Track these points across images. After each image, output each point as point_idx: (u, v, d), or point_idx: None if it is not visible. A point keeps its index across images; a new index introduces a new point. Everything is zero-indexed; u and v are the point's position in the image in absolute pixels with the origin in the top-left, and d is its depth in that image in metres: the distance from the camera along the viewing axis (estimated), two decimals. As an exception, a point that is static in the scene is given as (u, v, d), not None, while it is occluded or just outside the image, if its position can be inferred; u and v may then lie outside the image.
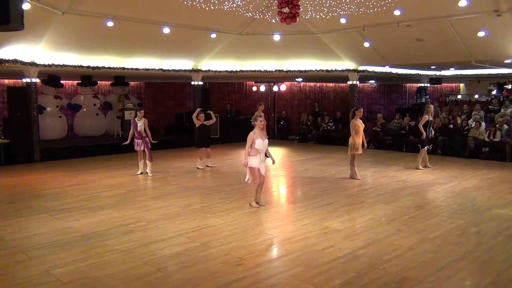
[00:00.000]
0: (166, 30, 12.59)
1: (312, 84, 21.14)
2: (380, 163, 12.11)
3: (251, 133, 7.32)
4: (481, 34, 11.45)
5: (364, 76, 17.61)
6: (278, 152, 14.81)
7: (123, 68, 14.39)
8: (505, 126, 13.15)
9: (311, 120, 18.60)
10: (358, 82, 16.93)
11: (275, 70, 16.55)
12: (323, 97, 21.43)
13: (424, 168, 11.20)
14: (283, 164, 12.72)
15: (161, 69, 15.20)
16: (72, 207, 7.68)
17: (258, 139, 7.26)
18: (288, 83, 20.13)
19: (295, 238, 5.97)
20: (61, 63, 12.97)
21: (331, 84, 21.52)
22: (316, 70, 16.43)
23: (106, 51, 13.61)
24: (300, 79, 19.66)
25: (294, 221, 6.87)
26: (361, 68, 16.38)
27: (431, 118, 11.10)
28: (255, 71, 16.53)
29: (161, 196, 8.49)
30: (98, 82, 17.16)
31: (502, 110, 15.15)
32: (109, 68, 14.06)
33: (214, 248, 5.57)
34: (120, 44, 13.40)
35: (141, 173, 10.58)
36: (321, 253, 5.38)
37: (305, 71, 16.49)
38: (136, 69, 14.63)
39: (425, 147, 11.11)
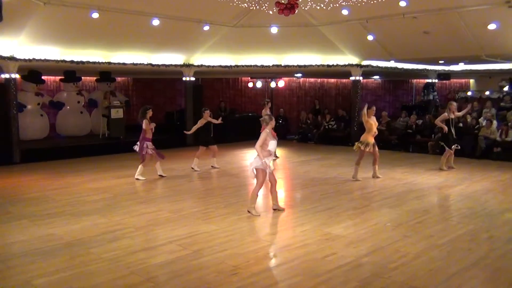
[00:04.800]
0: (156, 22, 12.56)
1: (312, 80, 21.14)
2: (385, 164, 12.11)
3: (264, 132, 7.25)
4: (492, 26, 11.48)
5: (368, 72, 17.64)
6: (276, 153, 14.80)
7: (109, 63, 14.35)
8: (518, 125, 13.21)
9: (311, 118, 18.61)
10: (361, 78, 16.95)
11: (273, 65, 16.55)
12: (324, 94, 21.43)
13: (448, 169, 11.27)
14: (282, 165, 12.72)
15: (150, 64, 15.17)
16: (54, 212, 7.64)
17: (272, 140, 7.24)
18: (286, 79, 20.12)
19: (295, 245, 5.98)
20: (42, 58, 12.91)
21: (332, 80, 21.52)
22: (316, 65, 16.45)
23: (91, 44, 13.56)
24: (299, 75, 19.67)
25: (293, 226, 6.88)
26: (364, 63, 16.41)
27: (452, 116, 11.13)
28: (251, 66, 16.53)
29: (151, 201, 8.47)
30: (83, 78, 17.09)
31: (514, 108, 15.21)
32: (94, 63, 14.00)
33: (207, 256, 5.56)
34: (106, 37, 13.36)
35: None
36: (322, 261, 5.39)
37: (305, 66, 16.50)
38: (123, 64, 14.60)
39: (452, 147, 11.16)
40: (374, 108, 10.34)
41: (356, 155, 10.45)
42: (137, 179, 10.31)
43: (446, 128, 11.03)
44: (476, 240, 6.19)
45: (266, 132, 7.25)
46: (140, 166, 10.38)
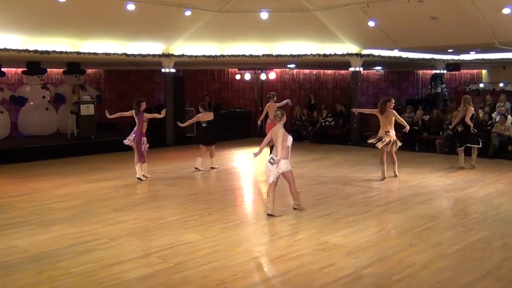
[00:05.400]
0: (131, 7, 12.50)
1: (307, 71, 21.21)
2: (388, 165, 12.19)
3: (280, 128, 7.51)
4: (506, 11, 11.59)
5: (369, 62, 17.74)
6: (268, 153, 14.79)
7: (78, 53, 14.24)
8: (535, 120, 13.37)
9: (306, 114, 18.68)
10: (361, 69, 17.05)
11: (263, 55, 16.57)
12: (320, 86, 21.53)
13: (459, 169, 11.52)
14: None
15: (125, 54, 15.10)
16: (18, 221, 7.59)
17: (289, 135, 7.50)
18: (278, 70, 20.17)
19: (288, 256, 5.99)
20: (2, 47, 12.78)
21: (329, 72, 21.61)
22: (311, 54, 16.49)
23: (58, 32, 13.46)
24: (292, 66, 19.73)
25: (287, 235, 6.90)
26: (365, 52, 16.49)
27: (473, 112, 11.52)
28: (238, 56, 16.53)
29: (127, 208, 8.44)
30: (48, 70, 16.98)
31: (531, 101, 15.39)
32: (61, 52, 13.89)
33: (190, 270, 5.56)
34: (74, 24, 13.27)
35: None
36: (319, 273, 5.41)
37: (299, 55, 16.54)
38: (95, 53, 14.50)
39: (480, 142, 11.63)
40: (393, 100, 10.62)
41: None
42: (144, 177, 10.68)
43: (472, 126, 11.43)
44: (489, 248, 6.25)
45: (282, 129, 7.52)
46: (144, 164, 10.70)
